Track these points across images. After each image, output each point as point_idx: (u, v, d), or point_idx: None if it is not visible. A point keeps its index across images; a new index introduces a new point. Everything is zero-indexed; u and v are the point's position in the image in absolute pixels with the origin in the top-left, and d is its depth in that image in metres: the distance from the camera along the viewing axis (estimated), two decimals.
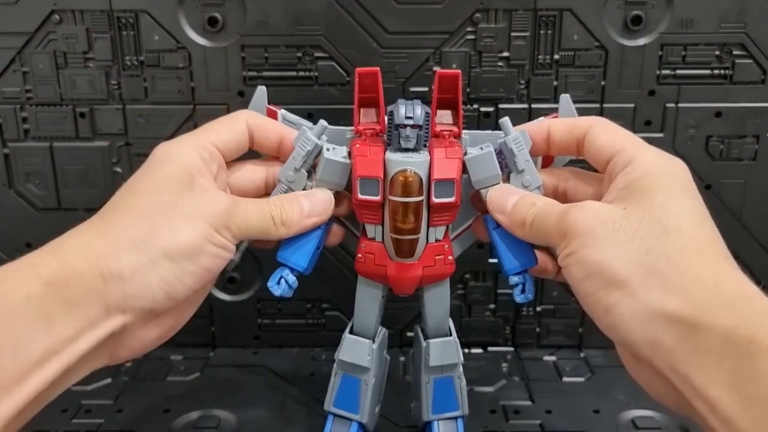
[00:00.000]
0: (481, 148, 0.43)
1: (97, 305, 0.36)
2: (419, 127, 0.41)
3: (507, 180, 0.44)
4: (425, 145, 0.42)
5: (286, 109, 0.48)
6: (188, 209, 0.39)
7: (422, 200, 0.41)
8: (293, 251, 0.44)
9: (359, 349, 0.47)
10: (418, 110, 0.41)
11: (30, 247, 0.62)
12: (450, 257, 0.44)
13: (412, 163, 0.41)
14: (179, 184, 0.40)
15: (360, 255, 0.45)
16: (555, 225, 0.38)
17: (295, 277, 0.44)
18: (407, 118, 0.41)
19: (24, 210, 0.61)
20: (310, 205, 0.43)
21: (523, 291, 0.43)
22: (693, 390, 0.32)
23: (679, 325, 0.32)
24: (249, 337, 0.65)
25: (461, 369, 0.48)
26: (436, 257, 0.44)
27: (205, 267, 0.39)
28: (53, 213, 0.61)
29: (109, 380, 0.59)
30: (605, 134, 0.41)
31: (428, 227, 0.43)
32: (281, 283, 0.44)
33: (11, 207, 0.61)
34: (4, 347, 0.33)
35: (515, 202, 0.41)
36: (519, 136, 0.43)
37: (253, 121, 0.46)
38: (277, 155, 0.46)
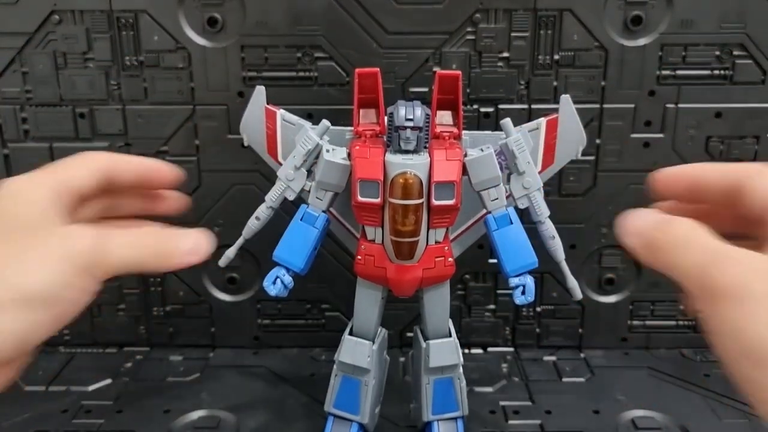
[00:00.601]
0: (482, 150, 0.43)
1: None
2: (419, 128, 0.41)
3: (507, 181, 0.44)
4: (425, 147, 0.42)
5: (285, 109, 0.48)
6: (45, 250, 0.33)
7: (422, 202, 0.41)
8: (290, 251, 0.44)
9: (359, 351, 0.47)
10: (418, 112, 0.41)
11: None
12: (450, 259, 0.44)
13: (412, 165, 0.41)
14: (33, 222, 0.35)
15: (359, 257, 0.44)
16: (695, 269, 0.30)
17: (291, 278, 0.44)
18: (407, 119, 0.41)
19: None
20: (193, 242, 0.40)
21: (523, 293, 0.43)
22: None
23: None
24: (249, 337, 0.65)
25: (461, 370, 0.48)
26: (436, 259, 0.44)
27: (63, 313, 0.34)
28: None
29: (109, 381, 0.59)
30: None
31: (428, 229, 0.43)
32: (277, 283, 0.44)
33: None
34: None
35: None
36: (520, 137, 0.43)
37: (107, 158, 0.42)
38: (139, 184, 0.44)
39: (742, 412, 0.54)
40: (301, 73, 0.58)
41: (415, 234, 0.42)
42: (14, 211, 0.35)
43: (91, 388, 0.58)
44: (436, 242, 0.43)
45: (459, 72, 0.42)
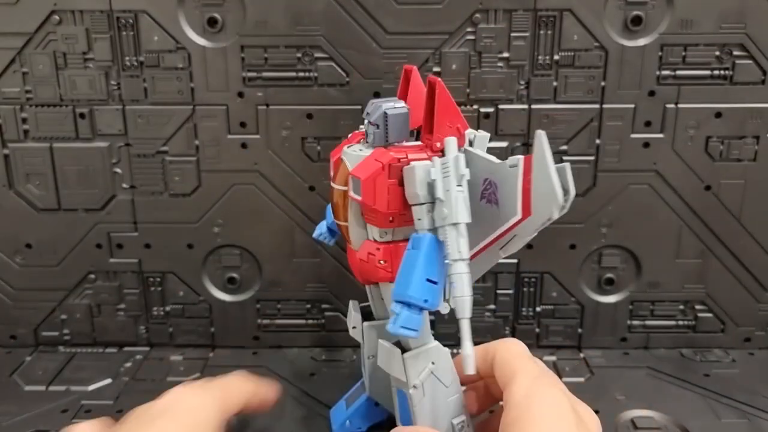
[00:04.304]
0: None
1: None
2: (377, 125, 0.41)
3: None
4: (391, 144, 0.42)
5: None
6: None
7: (345, 191, 0.42)
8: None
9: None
10: (380, 110, 0.41)
11: (30, 247, 0.62)
12: (382, 262, 0.42)
13: (348, 154, 0.42)
14: None
15: None
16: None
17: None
18: (367, 114, 0.42)
19: (24, 210, 0.61)
20: None
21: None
22: None
23: None
24: (248, 337, 0.65)
25: (418, 392, 0.43)
26: (369, 255, 0.42)
27: None
28: (53, 214, 0.61)
29: (109, 380, 0.59)
30: (501, 363, 0.40)
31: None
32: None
33: (11, 208, 0.61)
34: None
35: None
36: (449, 160, 0.38)
37: (253, 390, 0.46)
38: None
39: (741, 411, 0.54)
40: (301, 74, 0.58)
41: (341, 218, 0.44)
42: None
43: (91, 387, 0.58)
44: (374, 240, 0.42)
45: (436, 79, 0.40)
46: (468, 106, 0.58)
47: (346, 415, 0.51)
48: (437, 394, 0.43)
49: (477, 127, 0.58)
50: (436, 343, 0.44)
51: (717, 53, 0.57)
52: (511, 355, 0.40)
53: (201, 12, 0.56)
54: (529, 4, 0.56)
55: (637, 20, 0.56)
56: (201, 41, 0.57)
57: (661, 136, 0.59)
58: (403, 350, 0.43)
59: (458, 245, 0.37)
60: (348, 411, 0.51)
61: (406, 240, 0.40)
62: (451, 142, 0.39)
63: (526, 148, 0.59)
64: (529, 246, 0.61)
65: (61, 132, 0.59)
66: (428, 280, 0.38)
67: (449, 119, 0.40)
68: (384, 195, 0.40)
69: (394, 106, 0.42)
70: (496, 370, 0.40)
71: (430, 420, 0.43)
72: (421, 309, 0.38)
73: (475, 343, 0.63)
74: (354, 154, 0.42)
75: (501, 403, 0.40)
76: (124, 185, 0.60)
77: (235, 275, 0.63)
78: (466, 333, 0.38)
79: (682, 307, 0.63)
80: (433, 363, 0.43)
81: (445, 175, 0.38)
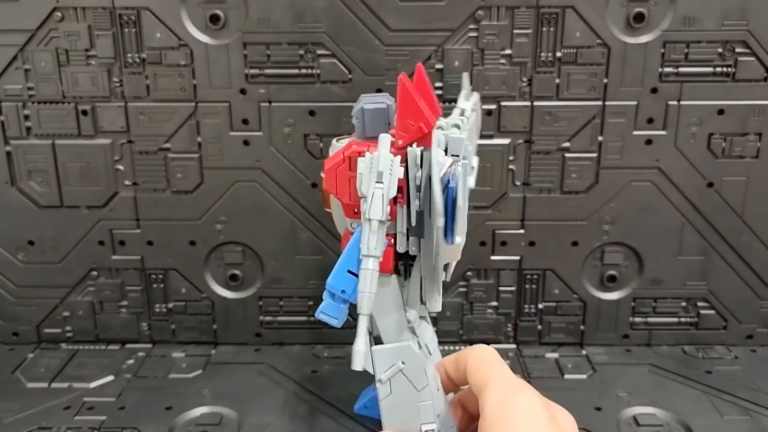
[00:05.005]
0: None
1: None
2: (357, 119, 0.42)
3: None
4: (369, 138, 0.42)
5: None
6: None
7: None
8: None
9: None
10: (359, 104, 0.42)
11: (32, 244, 0.62)
12: None
13: (333, 145, 0.44)
14: None
15: None
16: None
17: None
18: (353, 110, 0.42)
19: (26, 207, 0.61)
20: None
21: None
22: None
23: None
24: (251, 334, 0.65)
25: (384, 387, 0.43)
26: (344, 243, 0.43)
27: None
28: (55, 211, 0.61)
29: (111, 377, 0.59)
30: (473, 371, 0.41)
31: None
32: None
33: (13, 204, 0.61)
34: None
35: None
36: (395, 158, 0.39)
37: None
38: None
39: (743, 408, 0.54)
40: (304, 71, 0.58)
41: (325, 204, 0.46)
42: None
43: (93, 384, 0.58)
44: (349, 230, 0.43)
45: (401, 78, 0.39)
46: None
47: (367, 398, 0.52)
48: (406, 395, 0.43)
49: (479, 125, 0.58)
50: (408, 342, 0.43)
51: (719, 50, 0.57)
52: (483, 361, 0.41)
53: (203, 9, 0.56)
54: (532, 2, 0.56)
55: (639, 17, 0.56)
56: (203, 38, 0.57)
57: (663, 133, 0.59)
58: (380, 343, 0.44)
59: (368, 241, 0.38)
60: (370, 395, 0.51)
61: None
62: (383, 139, 0.39)
63: (528, 145, 0.59)
64: (531, 243, 0.61)
65: (63, 129, 0.59)
66: (349, 272, 0.40)
67: (411, 118, 0.40)
68: (345, 186, 0.41)
69: (374, 101, 0.42)
70: (469, 378, 0.41)
71: (395, 419, 0.43)
72: (345, 300, 0.40)
73: (476, 341, 0.64)
74: (336, 145, 0.43)
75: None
76: (127, 182, 0.61)
77: (237, 272, 0.63)
78: (360, 328, 0.38)
79: (684, 304, 0.64)
80: (403, 363, 0.42)
81: (371, 170, 0.39)
